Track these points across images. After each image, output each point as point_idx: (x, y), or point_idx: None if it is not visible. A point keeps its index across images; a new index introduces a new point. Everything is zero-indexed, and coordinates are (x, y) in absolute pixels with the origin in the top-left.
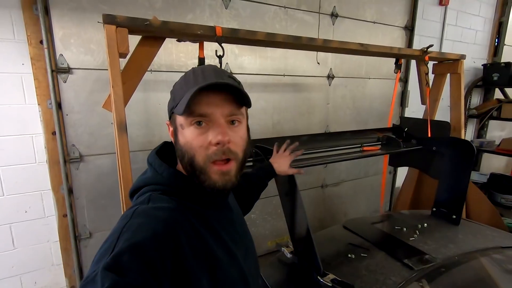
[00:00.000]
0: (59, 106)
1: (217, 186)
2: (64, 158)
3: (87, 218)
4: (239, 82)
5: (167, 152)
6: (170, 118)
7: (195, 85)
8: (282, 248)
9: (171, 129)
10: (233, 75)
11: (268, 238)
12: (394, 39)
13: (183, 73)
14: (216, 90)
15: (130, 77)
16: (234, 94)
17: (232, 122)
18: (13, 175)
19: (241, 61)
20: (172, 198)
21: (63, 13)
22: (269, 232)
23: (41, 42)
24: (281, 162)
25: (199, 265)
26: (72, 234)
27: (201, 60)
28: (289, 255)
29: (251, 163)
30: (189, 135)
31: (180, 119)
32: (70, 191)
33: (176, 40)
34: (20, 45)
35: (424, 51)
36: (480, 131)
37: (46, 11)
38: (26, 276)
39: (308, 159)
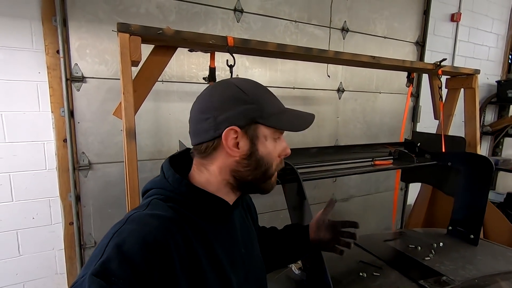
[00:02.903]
0: (71, 114)
1: (272, 187)
2: (74, 165)
3: (93, 227)
4: None
5: (183, 159)
6: (244, 126)
7: (284, 109)
8: (290, 264)
9: (236, 136)
10: None
11: None
12: (405, 54)
13: (193, 84)
14: None
15: (141, 85)
16: None
17: None
18: (23, 181)
19: (252, 73)
20: (171, 206)
21: (80, 25)
22: None
23: (58, 51)
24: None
25: (185, 280)
26: (78, 242)
27: (212, 70)
28: (297, 272)
29: None
30: (271, 147)
31: (266, 131)
32: (78, 198)
33: (188, 50)
34: (38, 55)
35: (438, 65)
36: (495, 149)
37: (64, 23)
38: (30, 284)
39: (317, 172)
